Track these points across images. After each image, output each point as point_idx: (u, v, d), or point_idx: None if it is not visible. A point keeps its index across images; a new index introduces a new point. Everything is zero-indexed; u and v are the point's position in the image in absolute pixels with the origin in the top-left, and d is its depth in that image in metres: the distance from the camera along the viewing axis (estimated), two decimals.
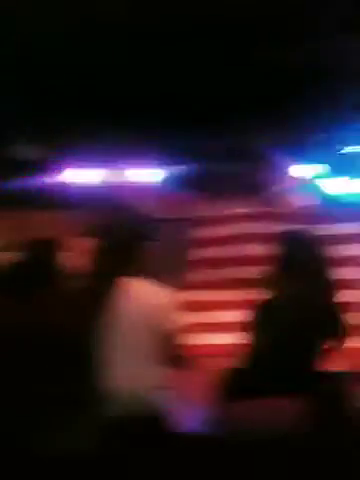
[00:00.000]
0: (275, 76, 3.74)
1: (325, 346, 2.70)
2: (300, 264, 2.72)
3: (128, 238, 2.57)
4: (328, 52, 3.57)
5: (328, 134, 4.29)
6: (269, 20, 3.35)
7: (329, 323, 2.70)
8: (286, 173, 4.56)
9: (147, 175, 4.50)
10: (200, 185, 4.71)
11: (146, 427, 2.36)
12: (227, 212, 4.78)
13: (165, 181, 4.56)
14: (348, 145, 4.35)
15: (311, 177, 4.72)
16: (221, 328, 4.11)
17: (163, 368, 2.45)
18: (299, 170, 4.58)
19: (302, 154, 4.40)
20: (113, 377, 2.36)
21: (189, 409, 2.68)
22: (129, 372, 2.38)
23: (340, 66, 3.69)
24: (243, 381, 2.64)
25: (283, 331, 2.63)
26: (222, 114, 4.01)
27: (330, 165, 4.54)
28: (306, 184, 4.83)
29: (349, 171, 4.60)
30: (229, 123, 4.10)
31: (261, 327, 2.67)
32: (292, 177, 4.68)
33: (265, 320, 2.68)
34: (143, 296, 2.44)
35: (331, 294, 2.74)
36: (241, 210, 4.91)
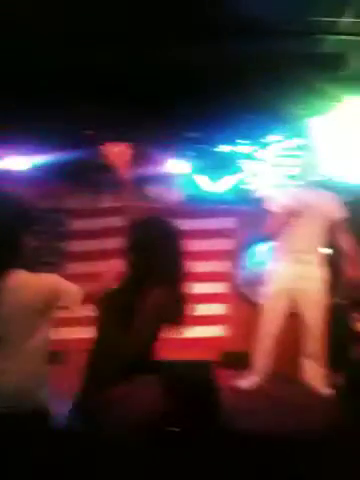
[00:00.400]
0: (152, 73, 3.76)
1: (168, 333, 2.60)
2: (144, 251, 2.57)
3: (14, 228, 2.49)
4: (207, 53, 3.66)
5: (202, 132, 4.39)
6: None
7: (170, 310, 2.56)
8: (161, 168, 4.62)
9: (19, 163, 4.33)
10: (75, 176, 4.64)
11: (33, 423, 2.33)
12: (100, 205, 4.79)
13: (38, 170, 4.43)
14: (222, 143, 4.47)
15: (185, 173, 4.83)
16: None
17: (45, 362, 2.43)
18: (173, 166, 4.65)
19: (176, 150, 4.46)
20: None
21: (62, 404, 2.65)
22: (15, 367, 2.34)
23: (218, 67, 3.80)
24: (93, 372, 2.57)
25: (122, 318, 2.51)
26: (100, 106, 3.97)
27: (203, 162, 4.65)
28: (180, 180, 4.94)
29: (221, 169, 4.74)
30: (106, 116, 4.06)
31: (103, 317, 2.58)
32: (167, 172, 4.75)
33: (107, 309, 2.59)
34: (26, 289, 2.39)
35: (176, 285, 2.59)
36: (113, 203, 4.94)
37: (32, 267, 2.47)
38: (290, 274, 4.45)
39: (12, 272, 2.39)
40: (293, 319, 5.10)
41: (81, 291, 2.51)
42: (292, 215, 4.37)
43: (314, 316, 4.43)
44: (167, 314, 2.53)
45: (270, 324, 4.45)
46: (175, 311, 2.57)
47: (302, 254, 4.42)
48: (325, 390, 4.31)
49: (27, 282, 2.40)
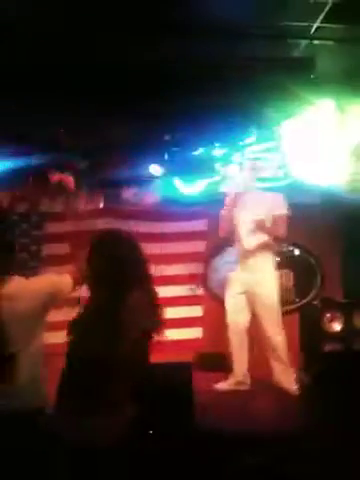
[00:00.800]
0: (126, 75, 3.78)
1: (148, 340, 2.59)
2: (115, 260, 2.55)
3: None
4: (182, 56, 3.70)
5: (177, 135, 4.43)
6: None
7: (148, 312, 2.56)
8: (136, 170, 4.63)
9: None
10: (49, 179, 4.62)
11: (32, 424, 2.33)
12: (77, 208, 4.78)
13: (12, 174, 4.39)
14: (196, 146, 4.52)
15: (160, 176, 4.85)
16: None
17: (43, 365, 2.44)
18: (149, 168, 4.68)
19: (152, 153, 4.48)
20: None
21: None
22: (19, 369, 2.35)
23: (193, 70, 3.84)
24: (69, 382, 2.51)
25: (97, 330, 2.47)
26: (75, 109, 3.96)
27: (178, 165, 4.69)
28: (155, 182, 4.97)
29: (196, 171, 4.78)
30: (83, 119, 4.06)
31: (78, 325, 2.53)
32: (142, 175, 4.77)
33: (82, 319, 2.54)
34: (24, 295, 2.40)
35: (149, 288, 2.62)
36: (90, 206, 4.94)
37: (23, 272, 2.47)
38: (241, 276, 4.54)
39: (8, 280, 2.39)
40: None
41: (70, 279, 2.52)
42: (234, 218, 4.49)
43: (267, 317, 4.48)
44: (145, 316, 2.53)
45: (233, 325, 4.52)
46: (153, 313, 2.58)
47: (250, 254, 4.49)
48: (293, 388, 4.36)
49: (24, 290, 2.40)
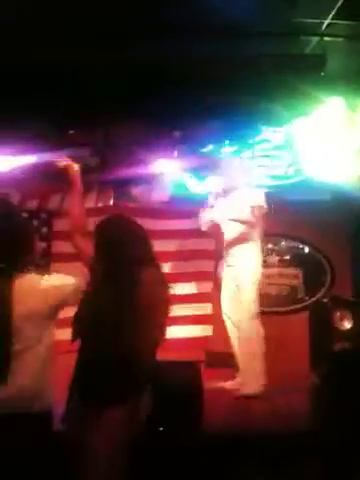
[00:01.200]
0: (137, 73, 3.78)
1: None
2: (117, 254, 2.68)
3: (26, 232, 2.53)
4: (193, 55, 3.69)
5: (188, 132, 4.42)
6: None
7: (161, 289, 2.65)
8: (146, 168, 4.63)
9: (2, 165, 4.31)
10: (60, 177, 4.62)
11: (38, 424, 2.33)
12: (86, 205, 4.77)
13: (22, 171, 4.41)
14: (207, 144, 4.51)
15: (170, 173, 4.85)
16: None
17: (51, 364, 2.43)
18: (159, 166, 4.67)
19: (162, 150, 4.48)
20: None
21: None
22: (23, 369, 2.34)
23: (203, 68, 3.83)
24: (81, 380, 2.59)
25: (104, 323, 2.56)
26: (84, 107, 3.97)
27: (189, 163, 4.68)
28: (165, 180, 4.97)
29: (206, 169, 4.78)
30: (91, 116, 4.06)
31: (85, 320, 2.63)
32: (152, 172, 4.77)
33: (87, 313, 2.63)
34: (34, 293, 2.39)
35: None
36: (99, 204, 4.94)
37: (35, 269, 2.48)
38: (227, 270, 4.56)
39: (21, 275, 2.40)
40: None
41: (81, 281, 2.54)
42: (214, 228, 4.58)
43: (244, 307, 4.45)
44: (159, 293, 2.60)
45: (229, 322, 4.53)
46: (164, 291, 2.65)
47: (230, 246, 4.51)
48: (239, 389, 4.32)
49: (36, 287, 2.40)
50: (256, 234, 4.51)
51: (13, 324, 2.31)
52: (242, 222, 4.44)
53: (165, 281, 2.70)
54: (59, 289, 2.43)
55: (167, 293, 2.66)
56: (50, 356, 2.41)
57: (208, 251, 5.24)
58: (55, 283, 2.45)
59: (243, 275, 4.45)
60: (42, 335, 2.37)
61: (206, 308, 5.22)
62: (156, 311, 2.57)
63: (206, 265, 5.24)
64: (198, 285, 5.21)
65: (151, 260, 2.72)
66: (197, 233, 4.95)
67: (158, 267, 2.75)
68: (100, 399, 2.47)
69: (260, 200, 4.44)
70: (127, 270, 2.60)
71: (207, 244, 5.19)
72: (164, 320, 2.63)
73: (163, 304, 2.63)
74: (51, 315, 2.41)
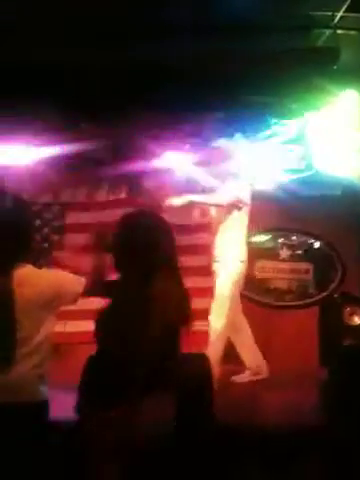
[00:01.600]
0: (154, 67, 3.79)
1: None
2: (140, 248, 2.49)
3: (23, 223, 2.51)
4: (205, 47, 3.69)
5: (199, 126, 4.42)
6: None
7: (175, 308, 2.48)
8: (159, 162, 4.63)
9: (16, 155, 4.34)
10: (73, 170, 4.65)
11: (33, 415, 2.34)
12: (99, 198, 4.80)
13: (36, 164, 4.44)
14: (218, 138, 4.50)
15: (182, 167, 4.85)
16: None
17: (48, 356, 2.45)
18: (172, 159, 4.68)
19: (177, 144, 4.49)
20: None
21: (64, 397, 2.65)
22: (20, 359, 2.36)
23: (215, 61, 3.83)
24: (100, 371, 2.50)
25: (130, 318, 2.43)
26: (98, 100, 3.99)
27: (200, 156, 4.68)
28: (179, 173, 4.96)
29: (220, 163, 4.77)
30: (104, 108, 4.08)
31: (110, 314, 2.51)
32: (164, 166, 4.77)
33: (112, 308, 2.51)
34: (32, 285, 2.41)
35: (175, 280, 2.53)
36: (112, 197, 4.95)
37: (36, 261, 2.49)
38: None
39: (20, 267, 2.41)
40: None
41: (83, 283, 2.52)
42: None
43: (216, 298, 4.45)
44: (174, 307, 2.44)
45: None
46: (183, 303, 2.49)
47: (217, 257, 4.53)
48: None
49: (33, 278, 2.42)
50: (238, 230, 4.49)
51: (12, 315, 2.33)
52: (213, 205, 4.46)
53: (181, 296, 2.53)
54: (54, 284, 2.45)
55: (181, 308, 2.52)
56: (48, 347, 2.44)
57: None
58: (51, 278, 2.47)
59: (222, 270, 4.45)
60: (39, 326, 2.39)
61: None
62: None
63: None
64: (207, 279, 5.19)
65: (173, 268, 2.56)
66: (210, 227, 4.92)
67: (178, 277, 2.56)
68: (108, 399, 2.41)
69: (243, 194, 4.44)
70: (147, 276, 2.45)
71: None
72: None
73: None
74: (48, 308, 2.42)
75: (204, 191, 4.56)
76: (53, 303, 2.44)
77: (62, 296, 2.46)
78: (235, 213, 4.43)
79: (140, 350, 2.37)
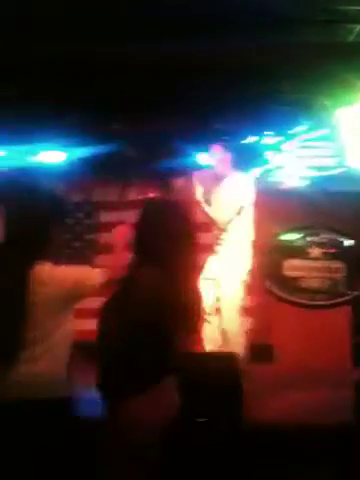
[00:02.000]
0: (182, 65, 3.78)
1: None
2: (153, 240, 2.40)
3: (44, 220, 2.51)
4: (234, 45, 3.66)
5: (229, 124, 4.41)
6: None
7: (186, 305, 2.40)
8: (190, 161, 4.65)
9: (51, 156, 4.40)
10: (104, 169, 4.69)
11: (59, 410, 2.35)
12: (131, 197, 4.84)
13: (69, 163, 4.49)
14: (248, 135, 4.49)
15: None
16: None
17: (70, 352, 2.47)
18: (203, 159, 4.68)
19: (205, 143, 4.48)
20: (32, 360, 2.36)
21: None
22: (44, 355, 2.38)
23: (244, 58, 3.81)
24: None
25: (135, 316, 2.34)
26: (128, 100, 4.01)
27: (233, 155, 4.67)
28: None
29: (247, 161, 4.76)
30: (134, 108, 4.10)
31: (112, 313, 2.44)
32: (195, 165, 4.78)
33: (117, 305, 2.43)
34: (51, 282, 2.41)
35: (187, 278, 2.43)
36: (140, 196, 4.97)
37: (59, 259, 2.50)
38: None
39: (39, 264, 2.42)
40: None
41: (99, 274, 2.50)
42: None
43: None
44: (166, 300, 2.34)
45: None
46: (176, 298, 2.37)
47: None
48: None
49: (52, 275, 2.42)
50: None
51: (30, 311, 2.35)
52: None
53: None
54: (70, 280, 2.45)
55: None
56: (67, 345, 2.45)
57: None
58: (66, 274, 2.47)
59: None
60: (59, 323, 2.40)
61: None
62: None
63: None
64: None
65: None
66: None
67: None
68: (115, 391, 2.37)
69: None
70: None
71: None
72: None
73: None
74: (64, 304, 2.43)
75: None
76: (70, 298, 2.44)
77: (79, 290, 2.46)
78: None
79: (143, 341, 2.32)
